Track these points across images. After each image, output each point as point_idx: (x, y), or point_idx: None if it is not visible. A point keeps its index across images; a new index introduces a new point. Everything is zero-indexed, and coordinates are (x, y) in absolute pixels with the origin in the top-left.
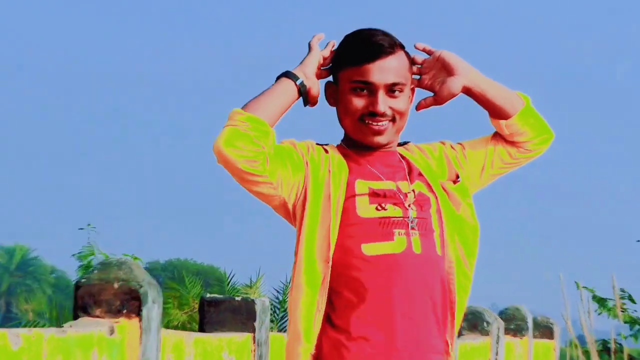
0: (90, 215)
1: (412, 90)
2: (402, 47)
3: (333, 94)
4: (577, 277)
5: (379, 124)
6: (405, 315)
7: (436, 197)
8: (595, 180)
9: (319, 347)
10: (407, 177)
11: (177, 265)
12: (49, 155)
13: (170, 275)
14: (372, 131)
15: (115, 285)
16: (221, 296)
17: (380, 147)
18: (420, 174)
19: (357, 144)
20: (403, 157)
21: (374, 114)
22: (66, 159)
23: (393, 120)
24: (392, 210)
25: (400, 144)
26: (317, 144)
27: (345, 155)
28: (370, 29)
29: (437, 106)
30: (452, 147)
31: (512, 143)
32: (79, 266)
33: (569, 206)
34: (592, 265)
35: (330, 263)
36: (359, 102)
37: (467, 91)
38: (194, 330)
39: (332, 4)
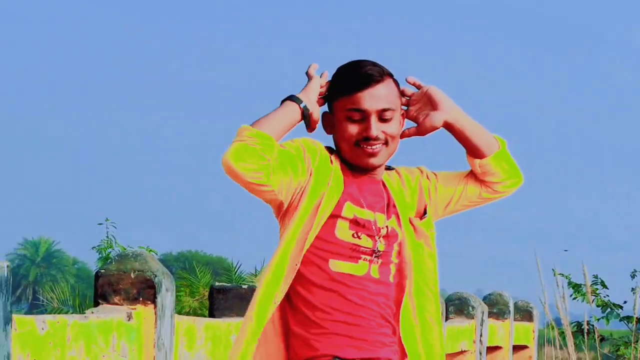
0: (109, 211)
1: (403, 115)
2: (390, 75)
3: (330, 123)
4: (562, 265)
5: (373, 147)
6: (364, 317)
7: (403, 232)
8: (576, 169)
9: (264, 333)
10: (385, 209)
11: (188, 256)
12: (73, 154)
13: (182, 266)
14: (366, 154)
15: (132, 275)
16: (229, 284)
17: (374, 168)
18: (394, 206)
19: (353, 166)
20: (385, 187)
21: (368, 139)
22: (87, 158)
23: (386, 143)
24: (365, 241)
25: (386, 168)
26: (327, 147)
27: (343, 171)
28: (360, 61)
29: (419, 136)
30: (427, 176)
31: (482, 182)
32: (98, 258)
33: (554, 199)
34: (572, 254)
35: (298, 266)
36: (353, 129)
37: (448, 126)
38: (204, 316)
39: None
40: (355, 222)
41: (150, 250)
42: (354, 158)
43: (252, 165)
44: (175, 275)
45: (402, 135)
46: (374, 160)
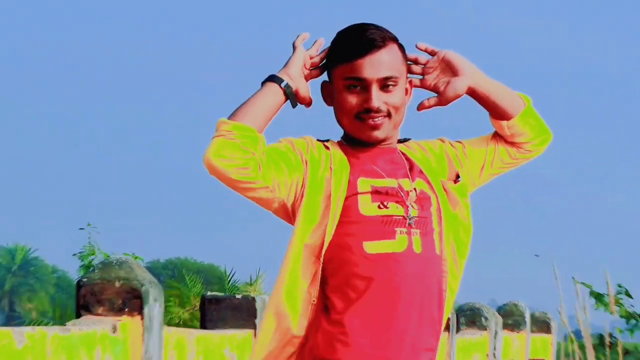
0: (91, 215)
1: (410, 83)
2: (394, 40)
3: (329, 93)
4: (579, 273)
5: (375, 119)
6: (403, 314)
7: (436, 196)
8: (594, 174)
9: (312, 338)
10: (409, 174)
11: (177, 264)
12: (47, 155)
13: (170, 274)
14: (368, 127)
15: (117, 284)
16: (222, 294)
17: (378, 142)
18: (421, 172)
19: (357, 141)
20: (404, 154)
21: (369, 110)
22: (64, 158)
23: (389, 115)
24: (394, 209)
25: (400, 141)
26: (318, 140)
27: (346, 152)
28: (361, 24)
29: (441, 106)
30: (451, 145)
31: (512, 143)
32: (80, 266)
33: (568, 201)
34: (592, 260)
35: (322, 260)
36: (352, 100)
37: (472, 92)
38: (195, 328)
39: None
40: (376, 192)
41: (136, 257)
42: (355, 131)
43: (235, 161)
44: (164, 285)
45: (420, 107)
46: (376, 134)
